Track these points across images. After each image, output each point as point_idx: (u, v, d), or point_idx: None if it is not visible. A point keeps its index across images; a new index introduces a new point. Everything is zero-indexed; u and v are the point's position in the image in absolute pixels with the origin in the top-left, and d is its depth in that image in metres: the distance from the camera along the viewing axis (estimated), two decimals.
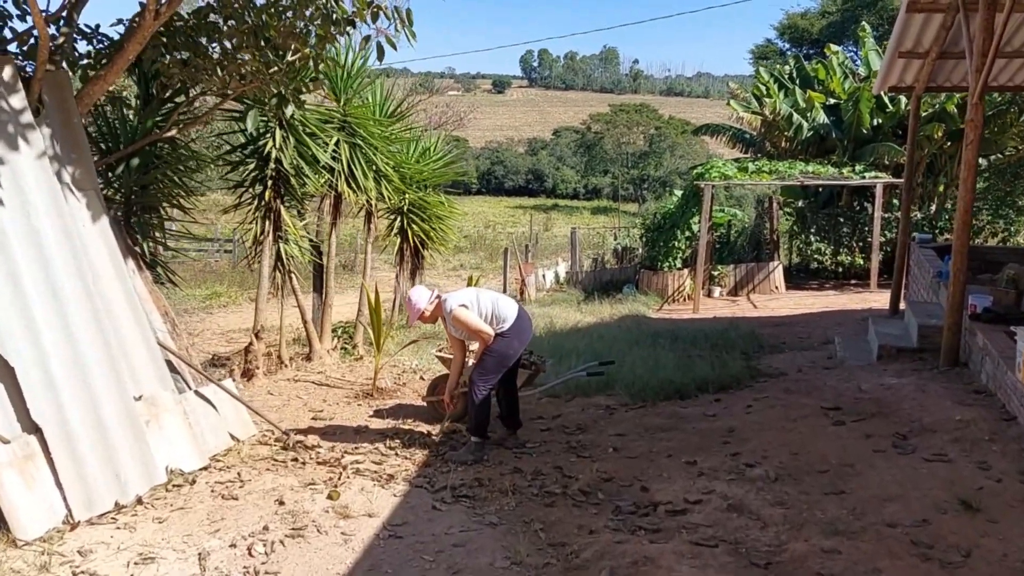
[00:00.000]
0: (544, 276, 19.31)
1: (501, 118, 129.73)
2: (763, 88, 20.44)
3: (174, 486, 4.79)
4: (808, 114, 19.29)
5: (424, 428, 6.47)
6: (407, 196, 10.61)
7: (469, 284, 10.61)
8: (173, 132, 6.15)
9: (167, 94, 6.46)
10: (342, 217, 9.03)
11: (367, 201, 9.54)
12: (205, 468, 5.17)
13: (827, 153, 19.27)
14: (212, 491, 4.75)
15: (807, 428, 5.70)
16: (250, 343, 7.81)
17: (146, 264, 6.15)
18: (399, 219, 10.76)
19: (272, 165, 7.76)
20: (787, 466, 5.00)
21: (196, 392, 5.63)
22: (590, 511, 4.57)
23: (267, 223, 7.91)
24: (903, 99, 17.95)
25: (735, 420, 6.23)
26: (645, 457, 5.51)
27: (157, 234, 6.59)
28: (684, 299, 16.58)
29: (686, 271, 16.96)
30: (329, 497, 4.61)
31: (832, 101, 19.64)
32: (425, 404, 6.82)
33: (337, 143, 8.72)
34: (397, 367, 8.80)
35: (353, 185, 8.85)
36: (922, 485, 4.46)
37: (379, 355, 7.69)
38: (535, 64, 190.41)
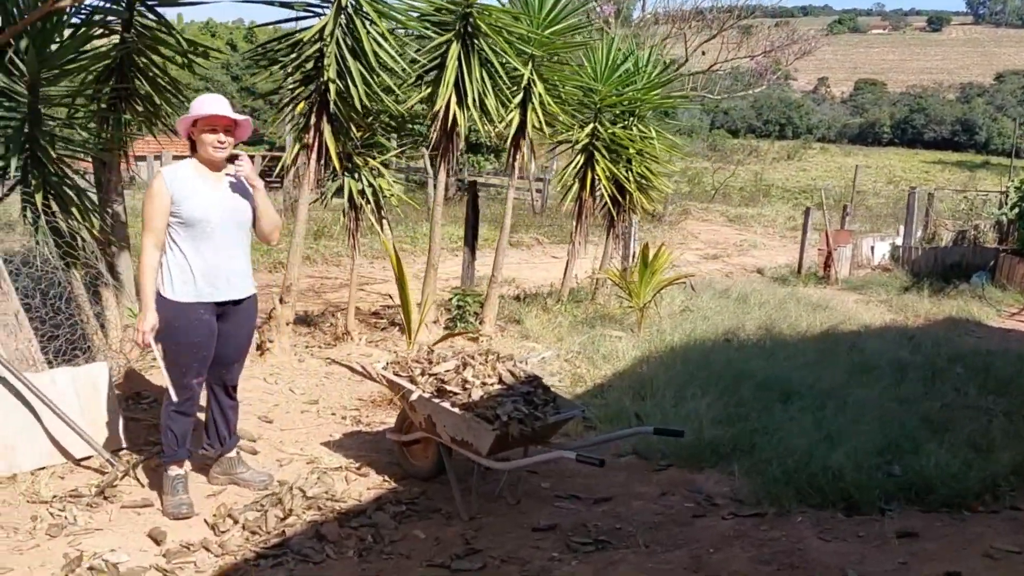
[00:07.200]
0: (873, 249, 14.77)
1: (932, 60, 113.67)
2: None
3: None
4: None
5: (355, 487, 4.08)
6: (588, 127, 7.85)
7: (643, 254, 7.55)
8: (66, 1, 4.32)
9: None
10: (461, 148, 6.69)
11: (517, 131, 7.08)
12: None
13: None
14: None
15: None
16: (272, 308, 5.90)
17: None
18: (579, 157, 8.03)
19: (310, 65, 5.65)
20: None
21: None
22: None
23: (306, 149, 5.84)
24: None
25: None
26: None
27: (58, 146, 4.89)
28: None
29: None
30: None
31: None
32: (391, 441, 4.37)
33: (446, 45, 6.33)
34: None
35: (469, 106, 6.41)
36: None
37: (412, 346, 5.33)
38: None
